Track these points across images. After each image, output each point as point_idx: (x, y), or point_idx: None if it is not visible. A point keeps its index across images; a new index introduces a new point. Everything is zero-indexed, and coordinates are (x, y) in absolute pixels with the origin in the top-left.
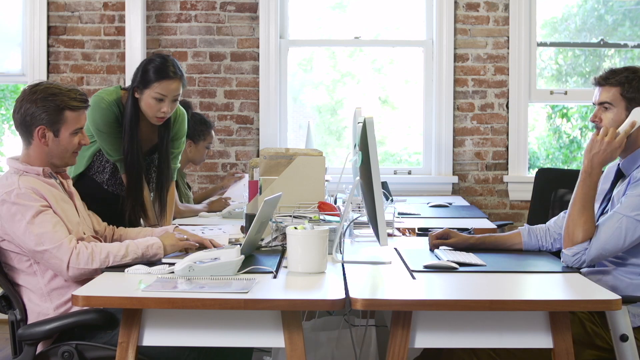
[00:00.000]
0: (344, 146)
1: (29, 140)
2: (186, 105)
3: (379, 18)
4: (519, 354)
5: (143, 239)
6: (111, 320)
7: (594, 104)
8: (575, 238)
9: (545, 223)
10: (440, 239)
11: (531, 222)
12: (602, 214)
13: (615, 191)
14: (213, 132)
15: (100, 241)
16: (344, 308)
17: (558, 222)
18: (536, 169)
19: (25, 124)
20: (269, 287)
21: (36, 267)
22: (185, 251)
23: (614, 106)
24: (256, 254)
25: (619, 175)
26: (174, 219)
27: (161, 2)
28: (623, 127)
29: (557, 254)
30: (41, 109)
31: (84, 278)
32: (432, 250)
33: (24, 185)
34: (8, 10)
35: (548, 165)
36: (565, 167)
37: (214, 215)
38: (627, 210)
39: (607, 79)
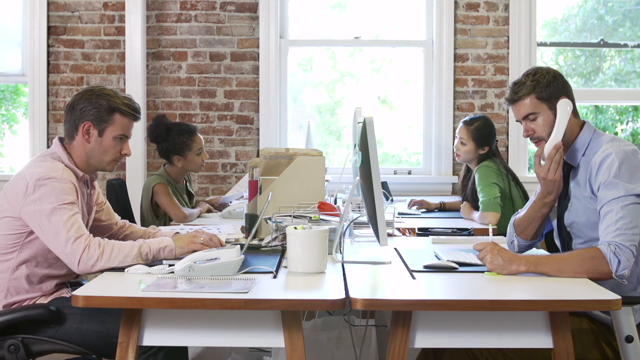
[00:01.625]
0: (344, 146)
1: (72, 135)
2: (161, 118)
3: (378, 18)
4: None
5: (156, 240)
6: (56, 315)
7: (517, 121)
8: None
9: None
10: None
11: None
12: (564, 210)
13: (572, 183)
14: (199, 135)
15: None
16: (344, 308)
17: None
18: None
19: (73, 117)
20: (269, 287)
21: (9, 264)
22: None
23: (538, 113)
24: (256, 254)
25: (566, 169)
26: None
27: (161, 2)
28: (557, 136)
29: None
30: (93, 104)
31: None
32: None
33: (66, 177)
34: (8, 10)
35: None
36: None
37: (214, 215)
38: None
39: (518, 93)
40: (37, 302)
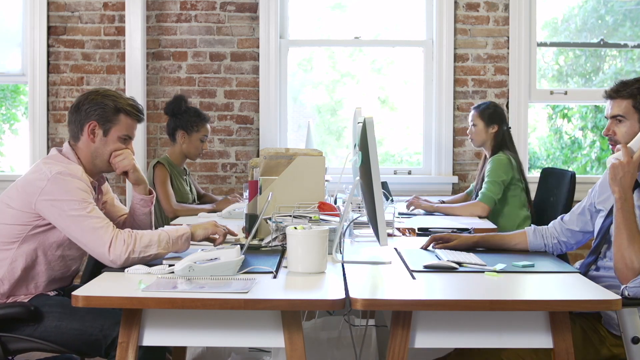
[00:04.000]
0: (344, 146)
1: (78, 135)
2: (180, 98)
3: (378, 18)
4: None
5: (173, 228)
6: (36, 314)
7: (606, 117)
8: (635, 266)
9: (547, 224)
10: (441, 243)
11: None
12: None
13: (637, 202)
14: (208, 126)
15: None
16: (344, 308)
17: (557, 226)
18: (536, 169)
19: (78, 118)
20: (269, 287)
21: (8, 254)
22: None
23: (626, 119)
24: (256, 254)
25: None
26: (172, 218)
27: (161, 2)
28: (636, 144)
29: (561, 256)
30: (98, 104)
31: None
32: (423, 248)
33: (85, 179)
34: (8, 10)
35: (549, 166)
36: (567, 168)
37: (214, 215)
38: None
39: (619, 92)
40: (19, 300)
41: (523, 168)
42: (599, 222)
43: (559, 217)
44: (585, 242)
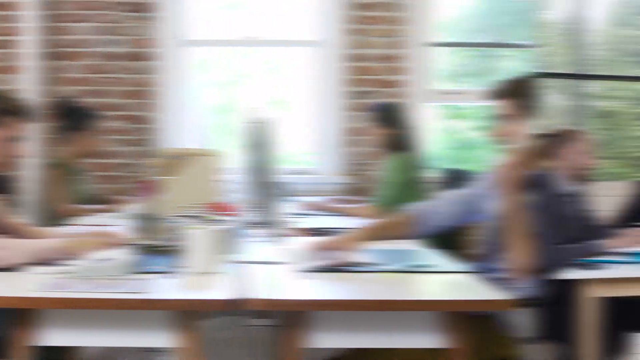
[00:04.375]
0: (240, 146)
1: None
2: (71, 98)
3: (274, 18)
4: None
5: (46, 241)
6: None
7: (490, 118)
8: (522, 266)
9: None
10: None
11: None
12: None
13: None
14: (102, 125)
15: None
16: (240, 308)
17: (431, 209)
18: (432, 170)
19: None
20: (165, 287)
21: None
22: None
23: (510, 118)
24: (152, 254)
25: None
26: (64, 219)
27: (56, 2)
28: (522, 143)
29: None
30: None
31: None
32: (317, 250)
33: None
34: None
35: (444, 166)
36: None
37: (108, 215)
38: None
39: (500, 92)
40: None
41: (422, 169)
42: (495, 224)
43: (431, 200)
44: (459, 224)
